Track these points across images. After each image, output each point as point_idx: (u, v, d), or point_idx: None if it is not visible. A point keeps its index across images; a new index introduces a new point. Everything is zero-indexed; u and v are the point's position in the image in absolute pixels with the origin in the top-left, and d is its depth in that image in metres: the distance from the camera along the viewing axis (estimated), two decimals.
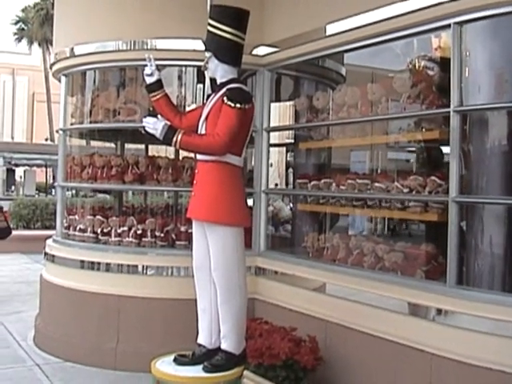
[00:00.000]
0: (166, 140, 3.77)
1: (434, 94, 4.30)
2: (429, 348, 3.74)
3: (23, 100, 45.47)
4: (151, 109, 4.85)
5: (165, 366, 4.03)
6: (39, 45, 39.73)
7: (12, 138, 41.26)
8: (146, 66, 4.17)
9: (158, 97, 4.14)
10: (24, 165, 25.48)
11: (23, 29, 41.08)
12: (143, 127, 3.89)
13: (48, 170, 25.17)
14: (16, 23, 41.29)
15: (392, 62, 5.01)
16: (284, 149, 7.16)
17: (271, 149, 5.89)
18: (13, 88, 45.27)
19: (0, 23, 40.01)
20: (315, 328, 4.47)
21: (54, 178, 22.06)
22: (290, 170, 6.75)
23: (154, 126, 3.79)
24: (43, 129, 37.92)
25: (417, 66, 4.72)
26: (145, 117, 3.91)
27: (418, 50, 4.71)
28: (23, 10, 41.09)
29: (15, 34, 41.39)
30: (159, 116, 3.98)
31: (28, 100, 45.52)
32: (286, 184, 6.73)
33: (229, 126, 3.67)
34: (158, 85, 4.15)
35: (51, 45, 7.42)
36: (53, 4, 7.05)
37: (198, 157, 3.97)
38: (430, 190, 4.12)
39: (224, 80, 3.93)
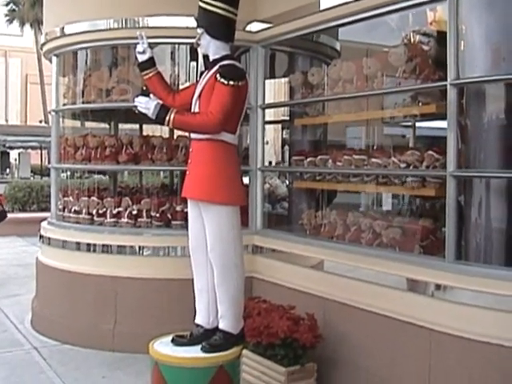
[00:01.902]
0: (159, 119, 3.72)
1: (429, 68, 4.25)
2: (428, 324, 3.72)
3: (16, 82, 45.20)
4: (144, 88, 4.78)
5: (163, 346, 4.03)
6: (31, 26, 39.41)
7: (6, 120, 41.03)
8: (137, 44, 4.12)
9: (150, 75, 4.09)
10: (19, 147, 25.39)
11: (14, 10, 40.69)
12: (135, 106, 3.85)
13: (43, 152, 25.06)
14: (7, 4, 40.90)
15: (387, 37, 4.95)
16: (280, 126, 7.10)
17: (267, 126, 5.83)
18: (5, 70, 44.99)
19: None
20: (314, 306, 4.45)
21: (49, 160, 21.98)
22: (286, 147, 6.70)
23: (146, 105, 3.74)
24: (37, 111, 37.72)
25: (412, 41, 4.66)
26: (137, 96, 3.86)
27: (413, 25, 4.65)
28: None
29: (6, 15, 40.99)
30: (151, 95, 3.93)
31: (21, 82, 45.25)
32: (283, 161, 6.68)
33: (222, 103, 3.63)
34: (151, 63, 4.11)
35: (43, 25, 7.31)
36: None
37: (192, 135, 3.94)
38: (427, 164, 4.07)
39: (217, 57, 3.88)
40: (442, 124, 3.91)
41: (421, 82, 4.26)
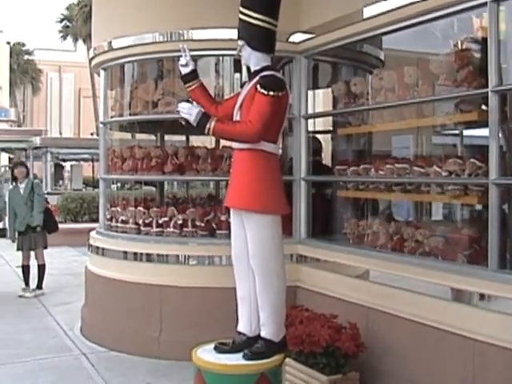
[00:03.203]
0: (200, 126, 3.78)
1: (476, 76, 4.17)
2: (472, 334, 3.67)
3: (70, 96, 46.36)
4: (190, 99, 4.86)
5: (205, 354, 4.05)
6: (84, 41, 40.31)
7: (60, 133, 41.99)
8: (180, 56, 4.19)
9: (193, 87, 4.15)
10: (71, 160, 25.89)
11: (68, 26, 41.78)
12: (178, 111, 3.91)
13: (94, 164, 25.48)
14: (61, 21, 42.11)
15: (432, 46, 4.91)
16: (328, 136, 7.09)
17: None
18: (60, 85, 46.21)
19: (46, 22, 40.80)
20: (357, 315, 4.44)
21: None
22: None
23: (189, 111, 3.80)
24: (90, 124, 38.52)
25: (459, 48, 4.61)
26: (180, 101, 3.93)
27: (460, 32, 4.60)
28: (67, 8, 41.85)
29: (60, 31, 42.17)
30: (194, 103, 4.00)
31: (74, 96, 46.34)
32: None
33: (261, 113, 3.66)
34: (193, 75, 4.16)
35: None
36: None
37: (234, 145, 3.98)
38: (469, 172, 4.03)
39: (257, 68, 3.91)
40: (485, 132, 3.87)
41: (465, 90, 4.21)
